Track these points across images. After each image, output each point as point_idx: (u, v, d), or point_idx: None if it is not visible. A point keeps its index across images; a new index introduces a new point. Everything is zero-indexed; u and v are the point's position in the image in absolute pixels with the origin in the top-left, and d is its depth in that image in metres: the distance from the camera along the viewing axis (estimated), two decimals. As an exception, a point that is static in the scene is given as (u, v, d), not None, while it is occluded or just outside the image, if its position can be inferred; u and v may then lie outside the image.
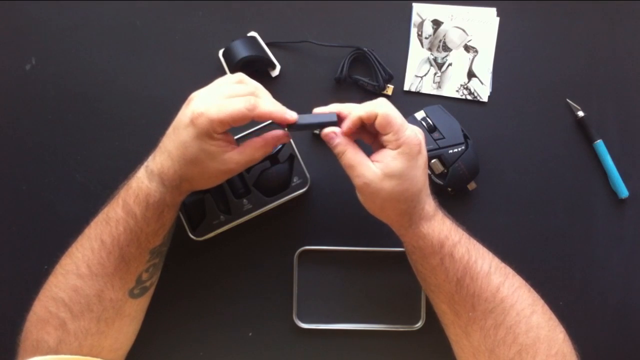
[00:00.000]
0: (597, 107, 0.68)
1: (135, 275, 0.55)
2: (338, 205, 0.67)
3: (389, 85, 0.68)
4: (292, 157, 0.64)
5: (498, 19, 0.69)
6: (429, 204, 0.54)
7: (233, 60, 0.66)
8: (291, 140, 0.64)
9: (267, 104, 0.51)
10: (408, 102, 0.68)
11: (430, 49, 0.69)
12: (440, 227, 0.53)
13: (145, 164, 0.54)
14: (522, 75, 0.69)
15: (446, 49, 0.69)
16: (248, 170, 0.63)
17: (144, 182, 0.53)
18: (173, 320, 0.66)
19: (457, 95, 0.68)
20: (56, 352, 0.52)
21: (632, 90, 0.68)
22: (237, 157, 0.52)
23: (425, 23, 0.69)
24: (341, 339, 0.66)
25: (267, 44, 0.68)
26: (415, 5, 0.69)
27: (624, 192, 0.67)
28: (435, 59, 0.69)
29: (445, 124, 0.65)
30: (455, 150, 0.64)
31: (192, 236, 0.64)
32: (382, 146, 0.52)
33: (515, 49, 0.69)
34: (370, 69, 0.68)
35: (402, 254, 0.65)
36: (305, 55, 0.69)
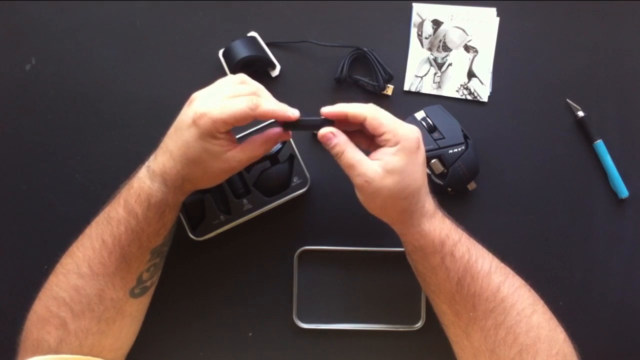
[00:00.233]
0: (597, 107, 0.68)
1: (136, 274, 0.55)
2: (338, 205, 0.67)
3: (389, 85, 0.68)
4: (292, 157, 0.64)
5: (498, 19, 0.69)
6: (429, 202, 0.54)
7: (233, 60, 0.66)
8: (291, 140, 0.64)
9: (269, 102, 0.51)
10: (408, 102, 0.68)
11: (430, 49, 0.69)
12: (441, 226, 0.53)
13: (147, 164, 0.54)
14: (522, 75, 0.69)
15: (446, 49, 0.69)
16: (248, 170, 0.63)
17: (145, 182, 0.53)
18: (173, 320, 0.66)
19: (457, 95, 0.68)
20: (57, 351, 0.52)
21: (632, 90, 0.68)
22: (238, 155, 0.52)
23: (425, 23, 0.69)
24: (341, 339, 0.66)
25: (267, 44, 0.68)
26: (415, 5, 0.69)
27: (624, 192, 0.67)
28: (435, 59, 0.69)
29: (445, 124, 0.65)
30: (455, 150, 0.64)
31: (192, 236, 0.64)
32: (379, 147, 0.52)
33: (515, 49, 0.69)
34: (370, 69, 0.68)
35: (402, 254, 0.65)
36: (305, 55, 0.69)
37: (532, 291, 0.55)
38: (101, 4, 0.69)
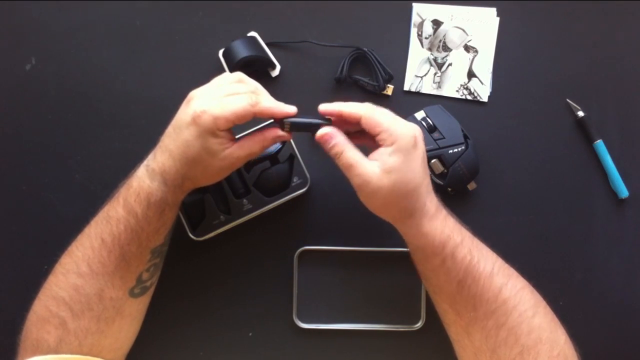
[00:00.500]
0: (597, 107, 0.68)
1: (135, 274, 0.55)
2: (338, 205, 0.67)
3: (389, 85, 0.68)
4: (292, 157, 0.64)
5: (498, 19, 0.69)
6: (431, 201, 0.53)
7: (233, 60, 0.66)
8: (291, 140, 0.64)
9: (268, 100, 0.52)
10: (408, 102, 0.68)
11: (430, 49, 0.69)
12: (443, 227, 0.53)
13: (145, 163, 0.54)
14: (522, 75, 0.69)
15: (446, 49, 0.69)
16: (248, 170, 0.63)
17: (145, 181, 0.53)
18: (173, 320, 0.66)
19: (457, 95, 0.68)
20: (56, 351, 0.52)
21: (632, 90, 0.68)
22: (237, 152, 0.52)
23: (425, 23, 0.69)
24: (341, 339, 0.66)
25: (267, 44, 0.68)
26: (415, 5, 0.69)
27: (624, 192, 0.67)
28: (435, 59, 0.69)
29: (445, 124, 0.65)
30: (455, 150, 0.64)
31: (192, 236, 0.64)
32: (379, 146, 0.52)
33: (515, 49, 0.69)
34: (370, 69, 0.68)
35: (402, 254, 0.66)
36: (305, 55, 0.69)
37: (535, 293, 0.54)
38: (101, 4, 0.69)
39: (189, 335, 0.66)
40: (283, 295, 0.66)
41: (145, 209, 0.53)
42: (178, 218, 0.63)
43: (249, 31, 0.69)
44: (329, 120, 0.54)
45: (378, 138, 0.51)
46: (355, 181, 0.51)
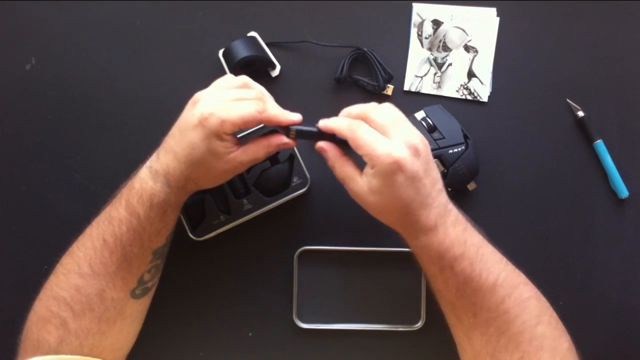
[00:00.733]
0: (597, 107, 0.68)
1: (137, 275, 0.55)
2: (338, 205, 0.67)
3: (389, 85, 0.68)
4: (292, 157, 0.64)
5: (498, 19, 0.69)
6: (427, 216, 0.51)
7: (233, 60, 0.66)
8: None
9: (275, 108, 0.53)
10: (408, 102, 0.68)
11: (430, 49, 0.69)
12: (441, 240, 0.51)
13: (148, 164, 0.54)
14: (522, 75, 0.69)
15: (446, 49, 0.69)
16: (248, 170, 0.63)
17: (147, 182, 0.53)
18: (173, 320, 0.66)
19: (457, 95, 0.68)
20: (57, 351, 0.52)
21: (632, 90, 0.68)
22: (241, 157, 0.53)
23: (425, 23, 0.69)
24: (341, 339, 0.66)
25: (267, 44, 0.68)
26: (415, 5, 0.69)
27: (624, 192, 0.67)
28: (435, 59, 0.69)
29: (445, 124, 0.65)
30: (455, 150, 0.64)
31: (192, 236, 0.64)
32: None
33: (515, 49, 0.69)
34: (370, 69, 0.68)
35: (402, 254, 0.66)
36: (305, 55, 0.69)
37: (542, 301, 0.53)
38: (101, 4, 0.69)
39: (189, 335, 0.66)
40: (283, 295, 0.66)
41: (147, 210, 0.53)
42: (178, 218, 0.63)
43: (249, 31, 0.69)
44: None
45: (363, 158, 0.51)
46: (349, 193, 0.53)
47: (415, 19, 0.69)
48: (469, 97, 0.68)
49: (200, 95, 0.52)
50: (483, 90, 0.68)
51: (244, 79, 0.54)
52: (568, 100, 0.68)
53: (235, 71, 0.66)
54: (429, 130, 0.65)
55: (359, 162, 0.52)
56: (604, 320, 0.66)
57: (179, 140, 0.52)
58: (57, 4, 0.69)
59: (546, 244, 0.67)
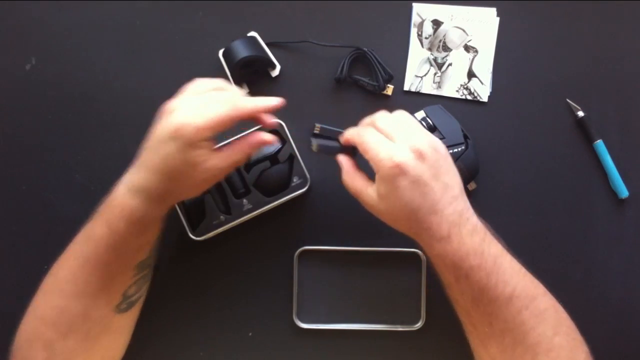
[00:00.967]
0: (597, 107, 0.68)
1: (121, 291, 0.54)
2: (338, 205, 0.67)
3: (389, 85, 0.68)
4: (292, 157, 0.64)
5: (498, 19, 0.69)
6: (439, 224, 0.50)
7: (233, 60, 0.66)
8: (291, 140, 0.64)
9: (249, 100, 0.51)
10: (408, 102, 0.68)
11: (430, 49, 0.69)
12: (456, 249, 0.49)
13: (124, 180, 0.52)
14: (522, 75, 0.69)
15: (446, 49, 0.69)
16: (248, 170, 0.63)
17: (125, 199, 0.51)
18: (173, 321, 0.66)
19: (457, 95, 0.68)
20: None
21: (632, 90, 0.68)
22: (219, 164, 0.51)
23: (425, 23, 0.69)
24: (341, 339, 0.66)
25: (267, 44, 0.68)
26: (415, 5, 0.69)
27: (624, 192, 0.67)
28: (435, 59, 0.69)
29: (445, 124, 0.65)
30: (455, 150, 0.64)
31: (192, 236, 0.64)
32: None
33: (515, 49, 0.69)
34: (370, 69, 0.68)
35: (402, 253, 0.66)
36: (305, 55, 0.69)
37: (560, 311, 0.53)
38: (101, 4, 0.69)
39: (189, 335, 0.66)
40: (283, 295, 0.66)
41: (128, 226, 0.51)
42: (178, 218, 0.63)
43: (249, 31, 0.69)
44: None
45: (369, 163, 0.51)
46: (364, 206, 0.53)
47: (415, 19, 0.69)
48: (469, 97, 0.68)
49: (171, 106, 0.50)
50: (483, 90, 0.68)
51: (217, 82, 0.53)
52: (568, 100, 0.68)
53: (235, 71, 0.66)
54: (429, 130, 0.65)
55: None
56: (604, 320, 0.66)
57: (154, 153, 0.50)
58: (57, 4, 0.69)
59: (546, 244, 0.67)
